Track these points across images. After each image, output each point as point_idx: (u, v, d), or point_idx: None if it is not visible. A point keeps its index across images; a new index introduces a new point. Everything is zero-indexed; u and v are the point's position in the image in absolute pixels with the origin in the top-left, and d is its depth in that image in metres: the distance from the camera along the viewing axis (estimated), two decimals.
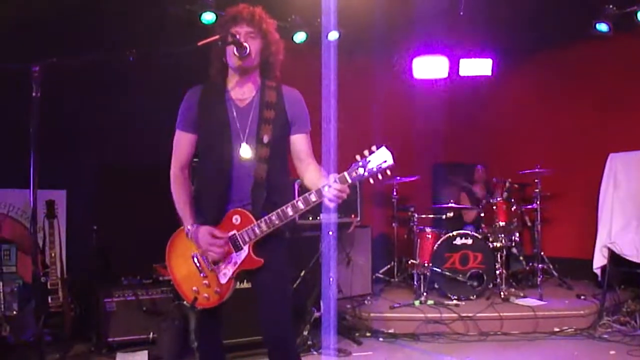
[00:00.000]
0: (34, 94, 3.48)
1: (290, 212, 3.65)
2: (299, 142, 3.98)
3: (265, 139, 3.80)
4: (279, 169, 3.92)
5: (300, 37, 8.86)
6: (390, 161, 3.43)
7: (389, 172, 3.47)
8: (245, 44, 3.72)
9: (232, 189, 3.83)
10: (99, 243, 7.04)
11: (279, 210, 3.66)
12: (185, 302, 4.02)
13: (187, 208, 3.92)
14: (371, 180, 3.49)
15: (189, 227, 3.86)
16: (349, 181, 3.48)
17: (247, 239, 3.75)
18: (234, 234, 3.77)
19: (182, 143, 4.01)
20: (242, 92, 3.93)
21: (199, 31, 7.34)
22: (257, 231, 3.71)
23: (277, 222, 3.67)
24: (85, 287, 7.03)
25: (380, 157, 3.44)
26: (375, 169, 3.44)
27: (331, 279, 7.46)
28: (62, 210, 7.51)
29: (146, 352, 6.59)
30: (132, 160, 7.87)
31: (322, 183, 3.57)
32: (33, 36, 6.89)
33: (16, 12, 6.84)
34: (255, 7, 3.93)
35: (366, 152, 3.46)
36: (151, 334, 6.70)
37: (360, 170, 3.45)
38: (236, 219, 3.78)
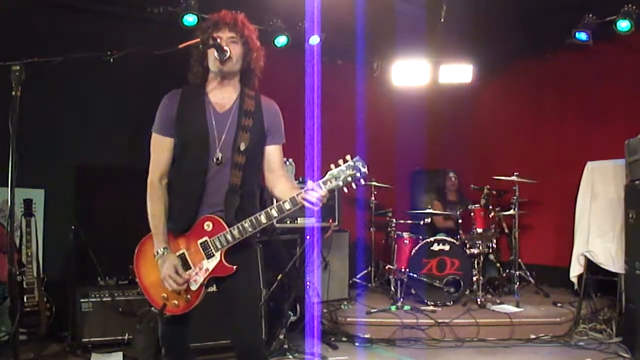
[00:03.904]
0: (14, 93, 3.46)
1: (263, 219, 3.66)
2: (273, 153, 4.00)
3: (242, 146, 3.80)
4: (253, 177, 3.93)
5: (281, 40, 8.85)
6: (364, 172, 3.51)
7: (362, 182, 3.53)
8: (225, 47, 3.72)
9: (206, 195, 3.81)
10: (76, 243, 7.00)
11: (252, 217, 3.66)
12: (153, 309, 3.97)
13: (161, 227, 3.85)
14: (345, 190, 3.56)
15: (159, 250, 3.80)
16: (324, 189, 3.53)
17: (219, 246, 3.73)
18: (206, 241, 3.76)
19: (160, 148, 3.93)
20: (221, 97, 3.92)
21: (180, 33, 7.33)
22: (230, 238, 3.70)
23: (250, 229, 3.68)
24: (62, 287, 7.00)
25: (355, 167, 3.50)
26: (349, 179, 3.50)
27: (308, 284, 7.48)
28: (40, 209, 7.48)
29: (121, 353, 6.56)
30: (112, 160, 7.83)
31: (295, 193, 3.61)
32: (13, 35, 6.86)
33: None
34: (237, 14, 3.94)
35: (341, 162, 3.52)
36: (126, 335, 6.68)
37: (334, 180, 3.51)
38: (208, 225, 3.76)
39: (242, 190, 3.81)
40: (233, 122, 3.86)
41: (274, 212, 3.63)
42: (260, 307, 4.01)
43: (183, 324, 4.02)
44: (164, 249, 3.81)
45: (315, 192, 3.52)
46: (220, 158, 3.79)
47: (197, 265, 3.80)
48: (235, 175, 3.79)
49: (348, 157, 3.52)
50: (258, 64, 4.02)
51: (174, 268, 3.73)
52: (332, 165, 3.53)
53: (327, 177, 3.53)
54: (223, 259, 3.75)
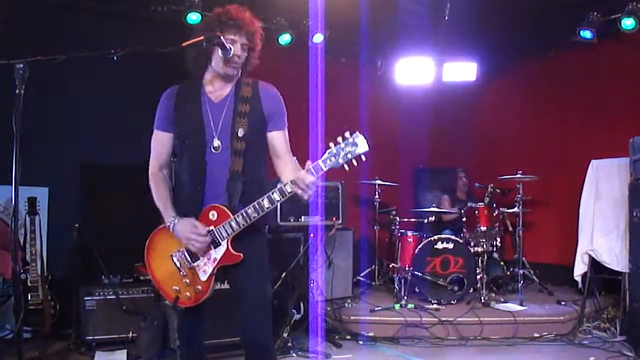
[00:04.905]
0: (17, 91, 3.46)
1: (266, 204, 3.65)
2: (276, 138, 3.99)
3: (240, 132, 3.80)
4: (255, 163, 3.92)
5: (285, 39, 8.84)
6: (364, 147, 3.46)
7: (363, 158, 3.48)
8: (229, 45, 3.72)
9: (208, 185, 3.84)
10: (80, 241, 7.00)
11: (255, 203, 3.65)
12: (167, 302, 3.98)
13: (168, 202, 3.92)
14: (346, 167, 3.50)
15: (170, 219, 3.84)
16: (324, 169, 3.50)
17: (224, 235, 3.74)
18: (212, 230, 3.76)
19: (160, 142, 4.02)
20: (217, 88, 3.95)
21: (183, 32, 7.32)
22: (234, 225, 3.71)
23: (254, 215, 3.67)
24: (66, 285, 6.99)
25: (355, 144, 3.46)
26: (349, 156, 3.46)
27: (312, 282, 7.47)
28: (44, 208, 7.48)
29: (125, 351, 6.56)
30: (115, 158, 7.82)
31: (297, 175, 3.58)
32: (15, 35, 6.86)
33: (1, 10, 6.82)
34: (254, 19, 3.96)
35: (340, 139, 3.49)
36: (130, 333, 6.68)
37: (335, 158, 3.47)
38: (213, 215, 3.77)
39: (245, 177, 3.82)
40: (229, 109, 3.88)
41: (276, 196, 3.62)
42: (269, 299, 4.00)
43: (196, 316, 4.04)
44: (173, 217, 3.85)
45: (306, 177, 3.50)
46: (218, 146, 3.81)
47: (205, 255, 3.82)
48: (235, 162, 3.80)
49: (347, 133, 3.49)
50: (254, 61, 4.04)
51: (191, 225, 3.76)
52: (331, 144, 3.49)
53: (326, 155, 3.49)
54: (230, 247, 3.76)
